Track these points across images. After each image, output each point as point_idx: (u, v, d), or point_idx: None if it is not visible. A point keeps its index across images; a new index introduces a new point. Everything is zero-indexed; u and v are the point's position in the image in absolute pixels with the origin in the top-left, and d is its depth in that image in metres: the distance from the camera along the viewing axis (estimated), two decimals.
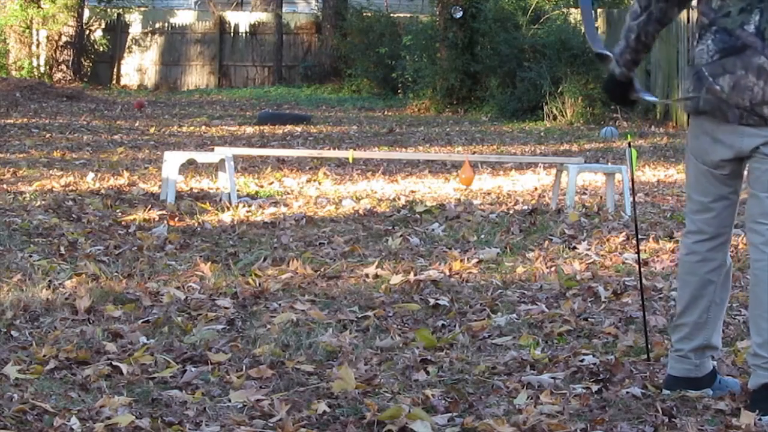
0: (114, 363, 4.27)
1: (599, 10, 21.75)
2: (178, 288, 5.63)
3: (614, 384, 4.11)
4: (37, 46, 27.83)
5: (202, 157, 9.43)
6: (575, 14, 21.60)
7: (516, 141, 15.81)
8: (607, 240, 7.16)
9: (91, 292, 5.37)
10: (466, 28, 21.35)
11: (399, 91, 23.92)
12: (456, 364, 4.41)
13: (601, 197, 9.38)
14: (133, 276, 5.94)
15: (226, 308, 5.28)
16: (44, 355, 4.37)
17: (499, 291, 5.74)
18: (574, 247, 6.95)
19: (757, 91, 3.74)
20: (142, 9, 29.36)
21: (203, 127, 17.65)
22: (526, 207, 8.72)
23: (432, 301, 5.46)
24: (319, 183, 10.29)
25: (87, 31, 28.69)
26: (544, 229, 7.64)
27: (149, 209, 8.07)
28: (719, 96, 3.80)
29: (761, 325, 3.79)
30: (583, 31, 20.38)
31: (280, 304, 5.35)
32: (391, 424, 3.62)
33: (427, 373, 4.27)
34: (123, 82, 29.02)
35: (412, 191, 9.89)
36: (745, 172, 3.92)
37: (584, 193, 9.93)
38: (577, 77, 18.75)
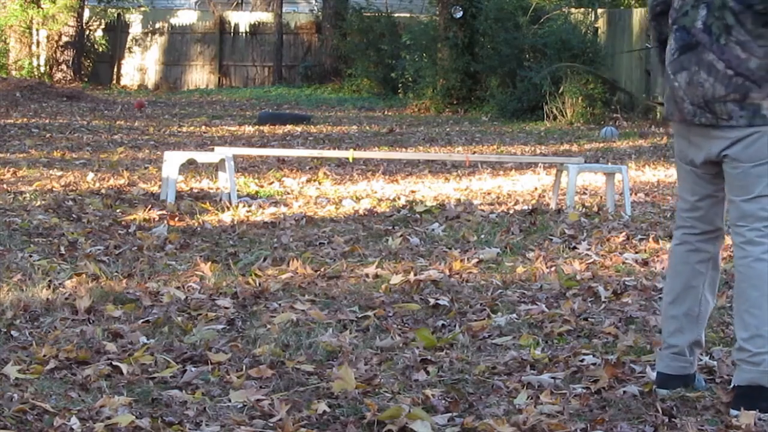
0: (114, 363, 4.27)
1: (600, 11, 21.74)
2: (178, 288, 5.63)
3: (614, 384, 4.10)
4: (37, 46, 27.84)
5: (202, 157, 9.44)
6: (575, 14, 21.59)
7: (516, 141, 15.81)
8: (607, 240, 7.16)
9: (91, 292, 5.37)
10: (466, 28, 21.35)
11: (399, 91, 23.93)
12: (456, 364, 4.40)
13: (601, 197, 9.38)
14: (133, 276, 5.93)
15: (226, 308, 5.28)
16: (44, 355, 4.37)
17: (499, 291, 5.73)
18: (574, 247, 6.95)
19: (708, 88, 3.82)
20: (142, 9, 29.35)
21: (203, 127, 17.65)
22: (526, 207, 8.72)
23: (432, 301, 5.45)
24: (319, 183, 10.29)
25: (87, 31, 28.69)
26: (544, 229, 7.63)
27: (149, 209, 8.07)
28: (677, 93, 3.89)
29: (746, 320, 3.82)
30: (583, 31, 20.50)
31: (280, 304, 5.35)
32: (391, 424, 3.62)
33: (427, 373, 4.27)
34: (123, 82, 29.03)
35: (412, 191, 9.89)
36: None
37: (584, 193, 9.93)
38: (578, 77, 18.76)
